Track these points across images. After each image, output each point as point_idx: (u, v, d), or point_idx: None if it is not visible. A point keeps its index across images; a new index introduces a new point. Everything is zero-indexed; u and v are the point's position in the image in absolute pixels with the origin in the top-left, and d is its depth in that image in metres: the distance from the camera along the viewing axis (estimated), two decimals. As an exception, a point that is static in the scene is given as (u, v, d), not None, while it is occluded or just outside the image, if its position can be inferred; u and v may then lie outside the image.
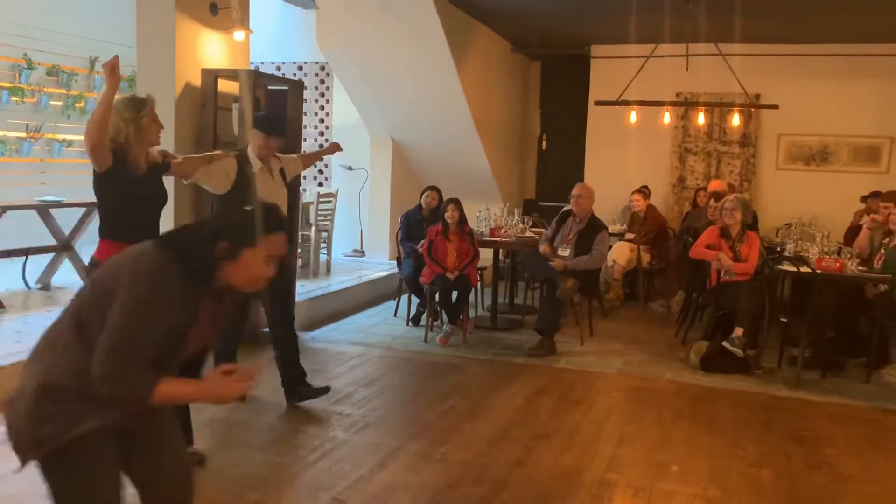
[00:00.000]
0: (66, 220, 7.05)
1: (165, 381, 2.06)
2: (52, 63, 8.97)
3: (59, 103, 9.18)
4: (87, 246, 7.70)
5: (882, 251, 6.02)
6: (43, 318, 5.73)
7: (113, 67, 3.28)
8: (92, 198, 3.65)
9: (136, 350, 2.03)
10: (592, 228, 6.41)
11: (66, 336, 2.14)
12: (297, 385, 4.68)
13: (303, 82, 6.74)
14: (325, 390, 4.73)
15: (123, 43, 8.84)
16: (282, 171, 4.59)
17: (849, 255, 5.76)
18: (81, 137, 10.07)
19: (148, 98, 3.56)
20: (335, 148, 5.22)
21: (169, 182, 4.26)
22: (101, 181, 3.48)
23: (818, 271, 5.60)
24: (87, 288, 2.23)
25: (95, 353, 2.03)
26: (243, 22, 6.13)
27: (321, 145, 9.76)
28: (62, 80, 9.12)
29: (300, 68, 9.76)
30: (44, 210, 6.82)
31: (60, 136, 9.20)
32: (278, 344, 4.68)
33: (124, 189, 3.49)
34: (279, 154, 4.63)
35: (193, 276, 2.10)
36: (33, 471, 1.92)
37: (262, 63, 9.43)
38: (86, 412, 2.06)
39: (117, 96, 3.40)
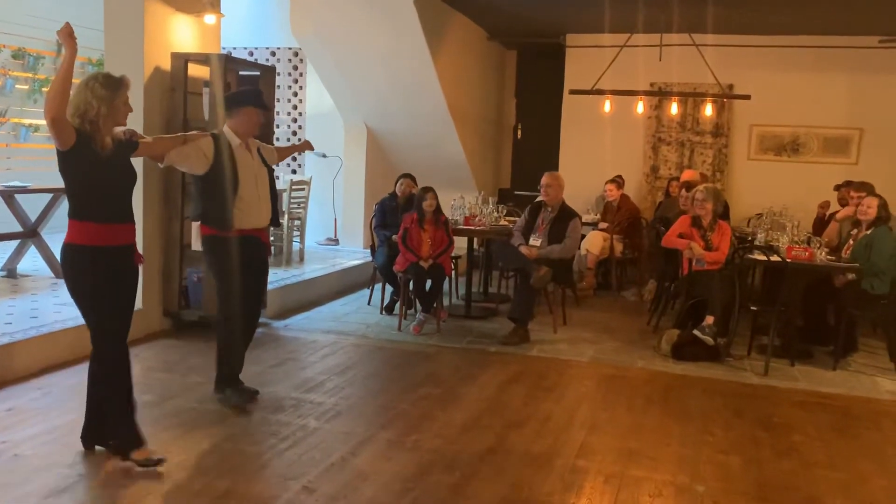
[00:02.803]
0: (33, 206, 6.91)
1: None
2: (17, 46, 8.77)
3: (25, 87, 8.99)
4: (54, 232, 7.56)
5: (851, 241, 6.11)
6: (8, 306, 5.62)
7: (69, 34, 3.18)
8: (59, 183, 3.54)
9: None
10: (564, 217, 6.42)
11: None
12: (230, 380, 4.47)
13: (275, 67, 6.66)
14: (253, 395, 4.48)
15: (91, 26, 8.67)
16: (259, 151, 4.53)
17: (818, 245, 5.83)
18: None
19: (124, 79, 3.48)
20: (307, 146, 5.13)
21: (138, 161, 4.17)
22: (65, 161, 3.36)
23: (788, 261, 5.67)
24: None
25: None
26: (214, 5, 6.02)
27: (294, 132, 9.68)
28: (28, 64, 8.93)
29: (273, 54, 9.65)
30: (9, 196, 6.68)
31: (27, 121, 9.02)
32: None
33: (89, 169, 3.39)
34: (255, 139, 4.58)
35: None
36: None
37: (235, 48, 9.31)
38: None
39: (91, 71, 3.31)
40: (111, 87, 3.40)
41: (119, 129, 3.54)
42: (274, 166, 4.70)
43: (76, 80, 3.33)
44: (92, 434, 3.65)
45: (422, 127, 8.90)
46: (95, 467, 3.51)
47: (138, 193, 5.47)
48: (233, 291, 4.34)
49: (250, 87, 5.05)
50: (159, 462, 3.50)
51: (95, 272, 3.45)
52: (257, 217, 4.40)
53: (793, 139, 9.23)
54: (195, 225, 5.76)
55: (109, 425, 3.58)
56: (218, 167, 4.22)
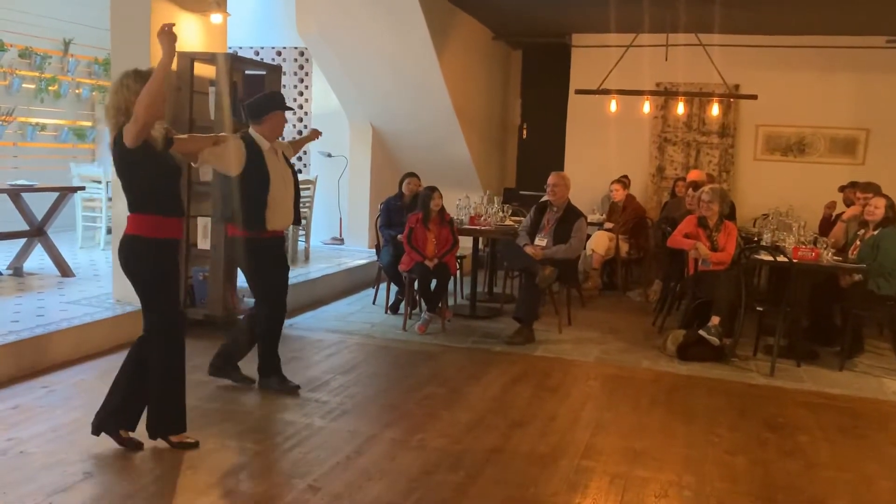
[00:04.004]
0: (39, 204, 6.93)
1: None
2: (24, 45, 8.79)
3: (32, 86, 9.01)
4: (60, 231, 7.58)
5: (857, 242, 6.09)
6: (14, 304, 5.64)
7: (171, 38, 3.32)
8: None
9: None
10: (570, 217, 6.42)
11: None
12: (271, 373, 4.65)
13: (281, 67, 6.66)
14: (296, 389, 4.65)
15: (98, 25, 8.71)
16: (283, 153, 4.59)
17: (824, 245, 5.81)
18: (55, 121, 9.85)
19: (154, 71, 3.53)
20: (315, 134, 5.16)
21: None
22: (132, 158, 3.45)
23: (794, 261, 5.65)
24: None
25: None
26: (221, 5, 6.04)
27: (300, 132, 9.69)
28: (35, 63, 8.96)
29: (279, 53, 9.66)
30: (15, 194, 6.70)
31: (33, 120, 9.04)
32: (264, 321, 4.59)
33: (154, 164, 3.51)
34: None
35: None
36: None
37: (241, 48, 9.33)
38: None
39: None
40: (144, 80, 3.46)
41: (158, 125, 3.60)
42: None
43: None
44: (110, 420, 3.66)
45: (427, 126, 8.90)
46: (101, 465, 3.51)
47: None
48: (272, 285, 4.52)
49: (272, 91, 5.09)
50: (196, 444, 3.73)
51: (159, 261, 3.58)
52: (287, 217, 4.52)
53: (799, 139, 9.20)
54: (202, 224, 5.79)
55: (158, 410, 3.68)
56: (251, 170, 4.30)
